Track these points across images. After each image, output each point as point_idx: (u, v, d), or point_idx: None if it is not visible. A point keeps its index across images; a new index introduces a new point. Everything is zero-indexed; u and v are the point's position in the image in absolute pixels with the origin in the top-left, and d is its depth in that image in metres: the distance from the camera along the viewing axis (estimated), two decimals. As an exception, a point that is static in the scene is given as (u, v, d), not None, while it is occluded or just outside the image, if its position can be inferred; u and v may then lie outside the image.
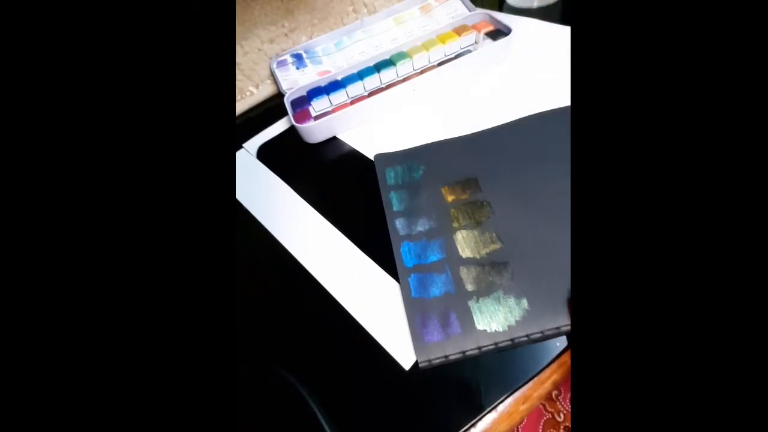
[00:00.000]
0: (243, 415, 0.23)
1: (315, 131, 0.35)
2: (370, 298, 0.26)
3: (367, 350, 0.25)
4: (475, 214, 0.28)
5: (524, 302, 0.23)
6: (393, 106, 0.36)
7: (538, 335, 0.22)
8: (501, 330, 0.23)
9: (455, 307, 0.24)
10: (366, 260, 0.28)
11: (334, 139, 0.36)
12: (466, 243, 0.26)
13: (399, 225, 0.28)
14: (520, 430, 0.66)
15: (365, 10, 0.44)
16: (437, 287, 0.25)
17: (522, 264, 0.25)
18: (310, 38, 0.42)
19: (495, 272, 0.25)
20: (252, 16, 0.43)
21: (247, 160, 0.36)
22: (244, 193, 0.34)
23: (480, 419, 0.22)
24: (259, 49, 0.41)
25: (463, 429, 0.22)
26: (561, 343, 0.23)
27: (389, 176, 0.31)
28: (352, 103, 0.36)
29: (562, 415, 0.67)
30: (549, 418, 0.67)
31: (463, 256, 0.26)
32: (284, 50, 0.41)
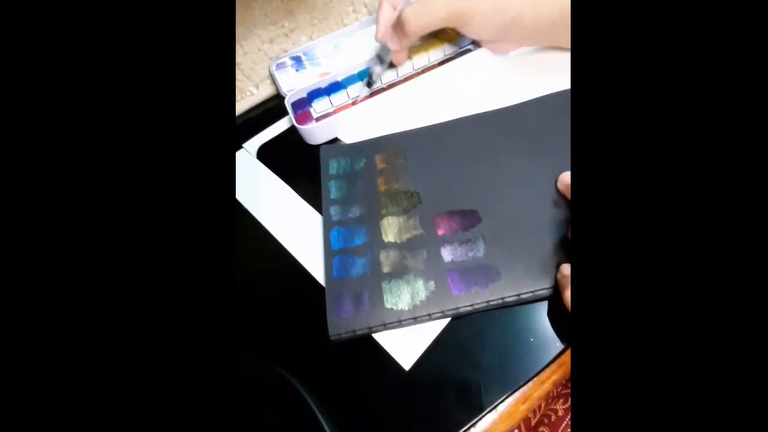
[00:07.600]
0: (243, 415, 0.23)
1: (317, 133, 0.35)
2: (370, 298, 0.26)
3: (368, 350, 0.25)
4: (404, 202, 0.29)
5: (431, 284, 0.26)
6: (394, 107, 0.36)
7: (439, 314, 0.25)
8: (406, 309, 0.25)
9: (369, 288, 0.26)
10: (366, 260, 0.28)
11: (335, 140, 0.36)
12: (390, 228, 0.28)
13: (333, 212, 0.30)
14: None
15: (365, 11, 0.44)
16: (356, 269, 0.27)
17: (436, 251, 0.27)
18: (310, 38, 0.42)
19: (411, 256, 0.27)
20: (252, 16, 0.43)
21: (247, 160, 0.36)
22: (244, 193, 0.34)
23: (480, 419, 0.22)
24: (259, 50, 0.41)
25: (463, 429, 0.22)
26: (560, 343, 0.23)
27: (332, 167, 0.32)
28: (353, 104, 0.36)
29: None
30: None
31: (386, 240, 0.28)
32: (284, 51, 0.41)
